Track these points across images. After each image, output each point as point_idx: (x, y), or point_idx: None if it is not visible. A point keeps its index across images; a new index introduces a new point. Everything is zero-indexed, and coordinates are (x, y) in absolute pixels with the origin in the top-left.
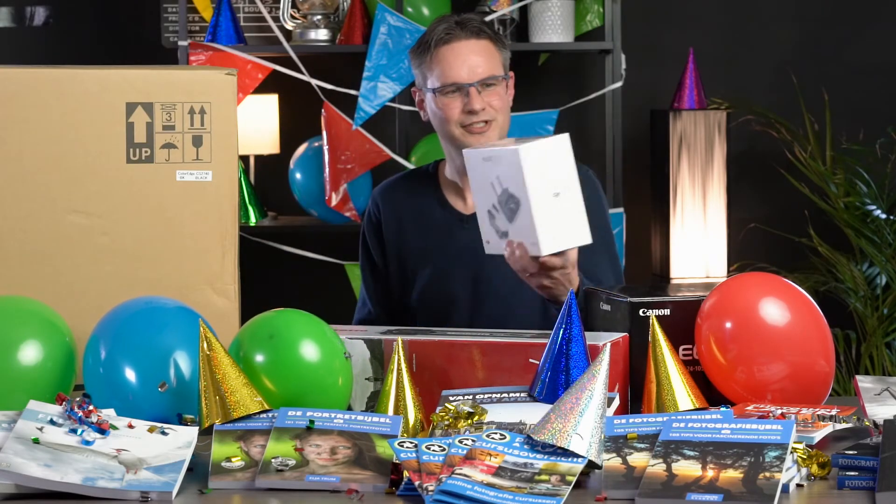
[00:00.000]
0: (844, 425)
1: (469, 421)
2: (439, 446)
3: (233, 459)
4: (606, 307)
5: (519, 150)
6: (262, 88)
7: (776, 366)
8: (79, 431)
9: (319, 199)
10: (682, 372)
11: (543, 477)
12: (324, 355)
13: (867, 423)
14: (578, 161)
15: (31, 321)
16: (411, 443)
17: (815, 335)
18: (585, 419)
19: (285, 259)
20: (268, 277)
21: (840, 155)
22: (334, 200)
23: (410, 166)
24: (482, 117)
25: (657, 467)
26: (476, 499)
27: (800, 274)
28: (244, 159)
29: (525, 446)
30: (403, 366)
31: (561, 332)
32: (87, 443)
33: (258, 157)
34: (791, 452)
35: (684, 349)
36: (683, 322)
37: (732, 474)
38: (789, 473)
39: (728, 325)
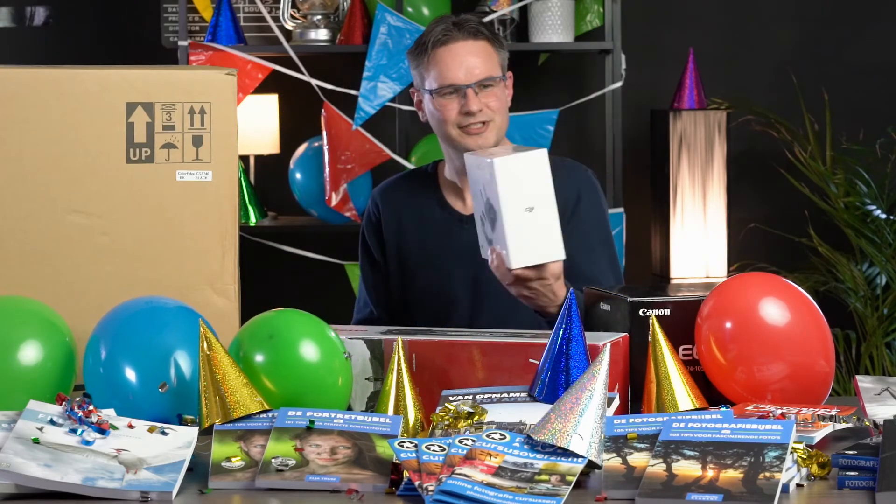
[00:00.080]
0: (844, 425)
1: (469, 421)
2: (439, 446)
3: (233, 459)
4: (606, 307)
5: (494, 163)
6: (262, 88)
7: (776, 366)
8: (79, 431)
9: (319, 199)
10: (682, 372)
11: (543, 477)
12: (323, 355)
13: (867, 423)
14: (578, 161)
15: (31, 321)
16: (411, 443)
17: (815, 335)
18: (585, 419)
19: (285, 259)
20: (268, 277)
21: (840, 155)
22: (334, 200)
23: (410, 166)
24: (479, 118)
25: (657, 467)
26: (476, 499)
27: (800, 274)
28: (244, 159)
29: (525, 446)
30: (403, 366)
31: (561, 332)
32: (87, 443)
33: (258, 157)
34: (791, 452)
35: (684, 349)
36: (683, 322)
37: (732, 474)
38: (789, 473)
39: (728, 325)
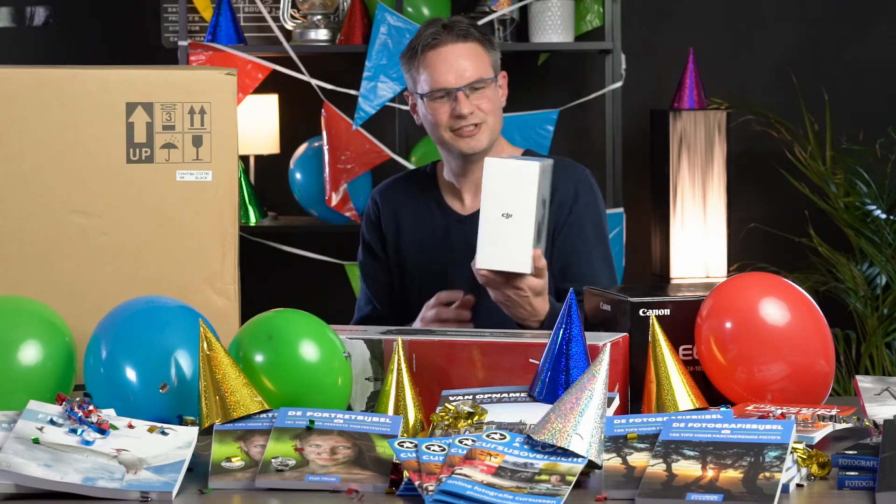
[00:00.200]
0: (844, 425)
1: (469, 421)
2: (439, 446)
3: (233, 459)
4: (606, 307)
5: (486, 161)
6: (262, 88)
7: (776, 366)
8: (79, 431)
9: (319, 199)
10: (682, 372)
11: (543, 477)
12: (323, 355)
13: (867, 423)
14: (577, 161)
15: (31, 321)
16: (411, 443)
17: (815, 335)
18: (585, 419)
19: (285, 259)
20: (268, 277)
21: (840, 155)
22: (334, 200)
23: (410, 166)
24: (471, 121)
25: (657, 467)
26: (476, 499)
27: (800, 274)
28: (244, 159)
29: (525, 446)
30: (403, 366)
31: (561, 332)
32: (87, 443)
33: (258, 157)
34: (791, 452)
35: (684, 349)
36: (683, 322)
37: (732, 474)
38: (789, 473)
39: (728, 325)
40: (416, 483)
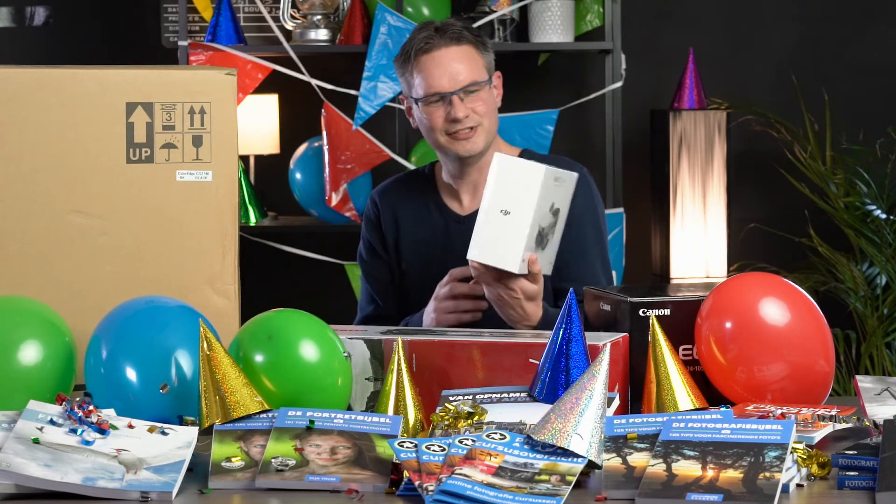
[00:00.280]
0: (844, 425)
1: (469, 421)
2: (439, 446)
3: (233, 459)
4: (606, 307)
5: (496, 156)
6: (262, 88)
7: (776, 366)
8: (79, 431)
9: (319, 199)
10: (682, 372)
11: (543, 477)
12: (323, 355)
13: (867, 423)
14: (577, 160)
15: (31, 321)
16: (411, 443)
17: (815, 335)
18: (585, 419)
19: (285, 259)
20: (268, 277)
21: (840, 155)
22: (334, 200)
23: (410, 166)
24: (466, 124)
25: (657, 467)
26: (476, 499)
27: (800, 274)
28: (244, 159)
29: (525, 446)
30: (403, 366)
31: (561, 332)
32: (87, 443)
33: (258, 157)
34: (791, 452)
35: (684, 349)
36: (683, 322)
37: (732, 474)
38: (789, 473)
39: (728, 325)
40: (416, 483)
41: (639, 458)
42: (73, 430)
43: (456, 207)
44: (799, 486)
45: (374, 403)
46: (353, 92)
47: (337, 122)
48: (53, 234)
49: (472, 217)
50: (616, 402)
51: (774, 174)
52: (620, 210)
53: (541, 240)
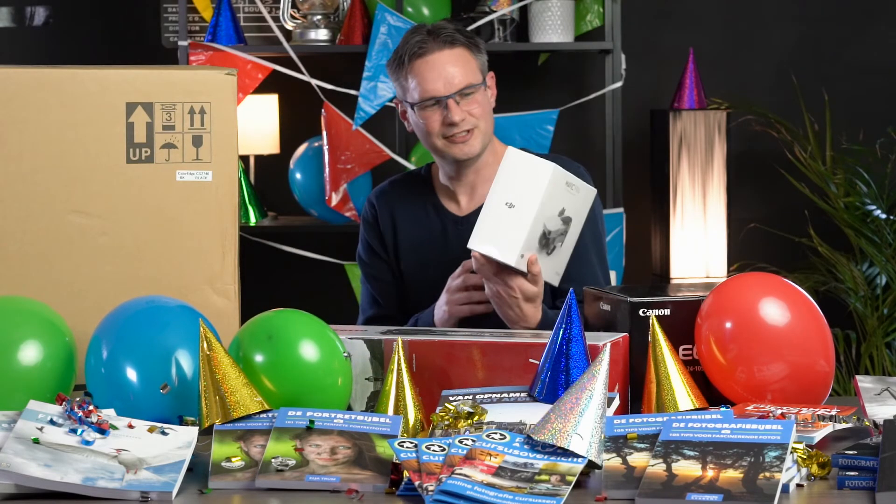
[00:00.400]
0: (844, 425)
1: (469, 421)
2: (439, 446)
3: (233, 459)
4: (606, 307)
5: (508, 149)
6: (262, 88)
7: (776, 366)
8: (79, 431)
9: (319, 199)
10: (682, 372)
11: (543, 477)
12: (323, 355)
13: (867, 423)
14: (576, 160)
15: (31, 321)
16: (411, 443)
17: (815, 335)
18: (585, 419)
19: (285, 259)
20: (268, 277)
21: (840, 155)
22: (334, 200)
23: (411, 166)
24: (463, 127)
25: (657, 467)
26: (476, 499)
27: (800, 274)
28: (244, 159)
29: (525, 446)
30: (403, 366)
31: (561, 332)
32: (87, 443)
33: (258, 157)
34: (791, 452)
35: (684, 349)
36: (683, 322)
37: (732, 474)
38: (789, 473)
39: (728, 325)
40: (416, 483)
41: (639, 458)
42: (73, 430)
43: (453, 209)
44: (799, 486)
45: (374, 403)
46: (353, 92)
47: (337, 122)
48: (53, 234)
49: (470, 218)
50: (616, 402)
51: (774, 174)
52: (620, 210)
53: (545, 242)
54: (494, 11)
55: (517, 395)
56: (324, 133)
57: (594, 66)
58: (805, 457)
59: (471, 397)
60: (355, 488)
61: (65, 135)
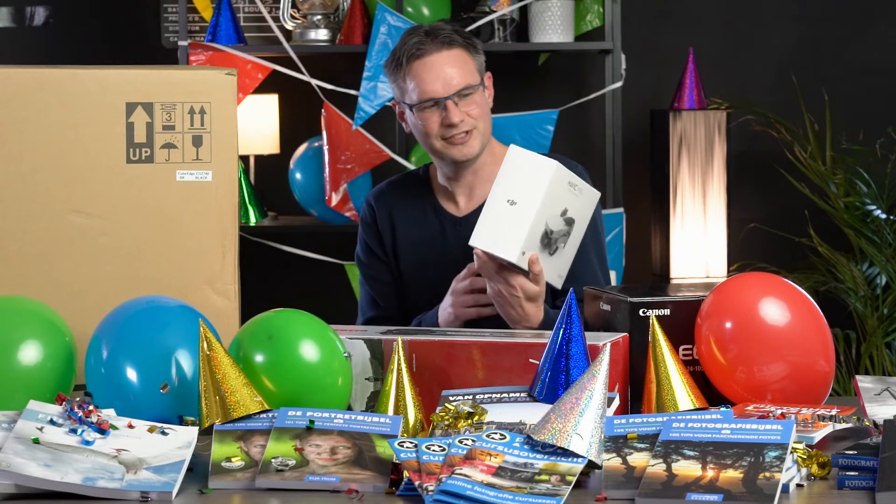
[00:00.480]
0: (844, 425)
1: (469, 421)
2: (439, 446)
3: (233, 459)
4: (606, 307)
5: (510, 147)
6: (262, 88)
7: (776, 366)
8: (79, 431)
9: (319, 199)
10: (682, 372)
11: (543, 477)
12: (323, 355)
13: (867, 423)
14: (576, 160)
15: (31, 321)
16: (411, 443)
17: (815, 335)
18: (585, 419)
19: (285, 259)
20: (268, 277)
21: (840, 155)
22: (334, 200)
23: (410, 166)
24: (462, 128)
25: (657, 467)
26: (476, 499)
27: (800, 274)
28: (244, 159)
29: (525, 446)
30: (403, 366)
31: (561, 332)
32: (87, 443)
33: (258, 157)
34: (791, 452)
35: (684, 349)
36: (683, 322)
37: (732, 474)
38: (789, 473)
39: (728, 325)
40: (416, 483)
41: (639, 458)
42: (73, 430)
43: (452, 209)
44: (799, 486)
45: (374, 403)
46: (353, 92)
47: (337, 122)
48: (53, 234)
49: (469, 219)
50: (616, 402)
51: (774, 174)
52: (620, 210)
53: (548, 242)
54: (494, 11)
55: (517, 395)
56: (324, 133)
57: (594, 66)
58: (805, 457)
59: (471, 397)
60: (355, 488)
61: (65, 135)
